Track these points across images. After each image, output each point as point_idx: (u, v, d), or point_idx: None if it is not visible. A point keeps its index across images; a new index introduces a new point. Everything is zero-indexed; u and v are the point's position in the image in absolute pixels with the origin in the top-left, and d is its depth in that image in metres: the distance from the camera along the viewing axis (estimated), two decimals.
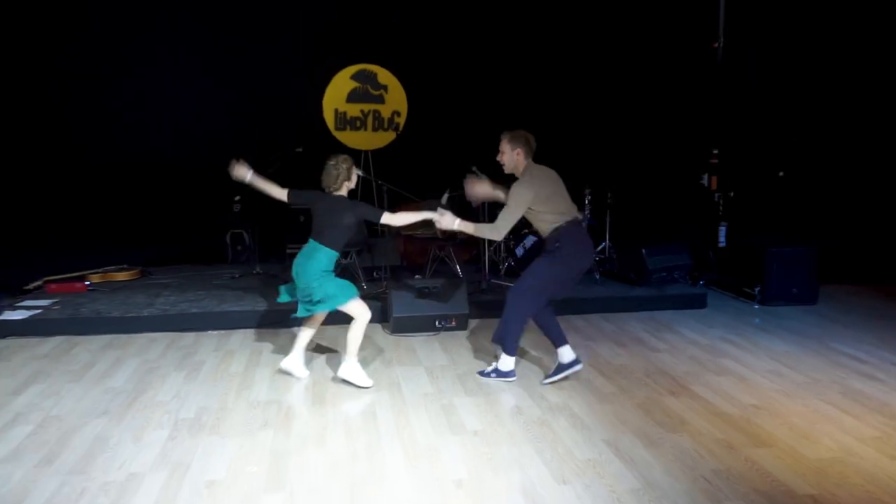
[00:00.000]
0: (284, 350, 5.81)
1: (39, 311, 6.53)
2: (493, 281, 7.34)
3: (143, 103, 8.21)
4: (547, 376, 5.09)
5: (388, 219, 4.90)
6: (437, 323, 6.26)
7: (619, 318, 6.81)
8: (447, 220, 4.91)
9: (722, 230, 8.20)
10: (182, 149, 8.46)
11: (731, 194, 8.21)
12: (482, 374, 5.20)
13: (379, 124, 8.88)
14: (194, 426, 4.35)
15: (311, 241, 4.94)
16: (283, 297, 5.17)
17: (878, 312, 7.01)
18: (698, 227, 8.33)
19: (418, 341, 6.02)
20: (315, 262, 4.84)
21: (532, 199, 4.76)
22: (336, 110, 8.79)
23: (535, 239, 7.68)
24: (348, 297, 4.88)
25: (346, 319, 4.99)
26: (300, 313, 5.02)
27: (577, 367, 5.04)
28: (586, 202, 7.92)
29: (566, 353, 5.03)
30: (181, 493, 3.55)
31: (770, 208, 8.44)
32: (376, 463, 3.87)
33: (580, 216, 4.92)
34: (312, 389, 4.97)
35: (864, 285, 8.16)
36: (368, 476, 3.73)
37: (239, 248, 8.60)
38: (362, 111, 8.85)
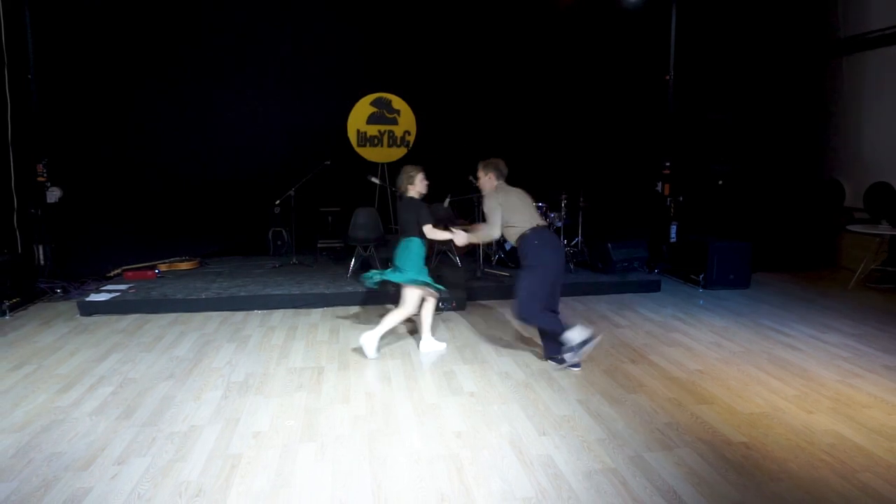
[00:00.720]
0: (316, 327, 5.82)
1: (118, 293, 6.53)
2: (486, 270, 7.32)
3: (204, 126, 8.19)
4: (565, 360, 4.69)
5: (430, 232, 4.89)
6: (440, 304, 6.24)
7: (589, 300, 6.80)
8: (461, 238, 4.94)
9: (673, 228, 8.19)
10: (233, 163, 8.43)
11: (681, 199, 8.20)
12: (561, 361, 4.69)
13: (393, 142, 8.87)
14: (243, 388, 4.36)
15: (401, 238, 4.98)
16: (373, 282, 5.12)
17: (799, 295, 7.00)
18: (654, 225, 8.31)
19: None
20: (412, 251, 4.92)
21: (498, 205, 4.75)
22: (358, 130, 8.78)
23: None
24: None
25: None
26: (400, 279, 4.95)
27: (593, 341, 4.58)
28: (563, 205, 7.89)
29: (572, 336, 4.53)
30: (232, 442, 3.55)
31: (712, 210, 8.43)
32: (391, 417, 3.88)
33: (544, 223, 4.86)
34: (338, 358, 4.97)
35: (788, 273, 8.14)
36: (384, 427, 3.73)
37: (279, 242, 8.59)
38: (379, 131, 8.83)
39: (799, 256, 8.48)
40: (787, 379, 4.49)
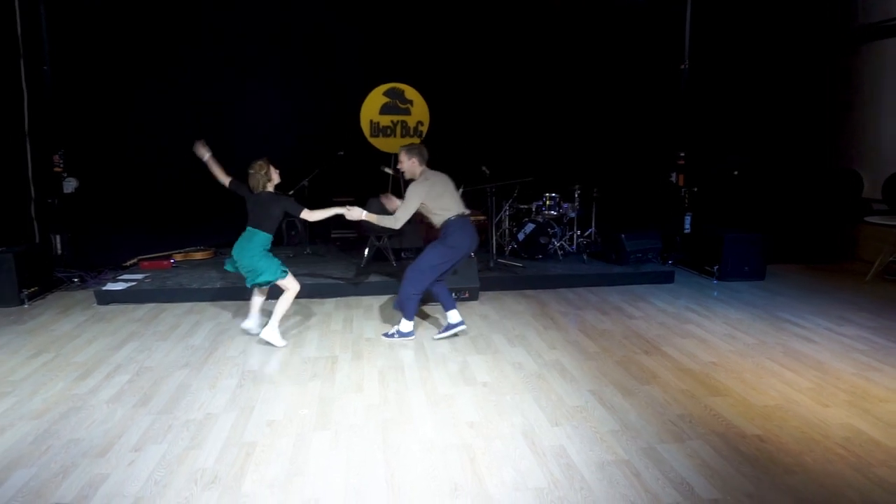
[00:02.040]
0: (329, 317, 5.85)
1: (135, 283, 6.59)
2: (499, 260, 7.31)
3: (220, 117, 8.20)
4: (439, 332, 5.17)
5: (307, 214, 4.84)
6: (453, 294, 6.24)
7: (603, 290, 6.77)
8: (356, 213, 4.87)
9: (687, 219, 8.13)
10: (248, 153, 8.41)
11: (695, 189, 8.13)
12: (386, 335, 5.17)
13: (406, 132, 8.84)
14: (257, 377, 4.39)
15: (249, 227, 4.88)
16: (228, 268, 5.11)
17: (815, 287, 6.93)
18: (668, 216, 8.25)
19: (438, 309, 6.02)
20: (255, 245, 4.83)
21: (424, 195, 4.80)
22: (371, 121, 8.76)
23: (533, 226, 7.62)
24: (279, 274, 4.90)
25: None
26: (249, 283, 4.97)
27: (463, 327, 5.16)
28: (576, 196, 7.86)
29: (454, 316, 5.13)
30: (247, 430, 3.59)
31: (727, 201, 8.35)
32: (404, 406, 3.89)
33: (467, 212, 5.04)
34: (352, 347, 4.99)
35: (804, 265, 8.06)
36: (398, 416, 3.75)
37: (293, 233, 8.61)
38: (392, 121, 8.81)
39: (815, 248, 8.38)
40: (802, 371, 4.45)
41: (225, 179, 5.09)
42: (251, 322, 5.27)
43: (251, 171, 4.85)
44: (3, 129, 7.04)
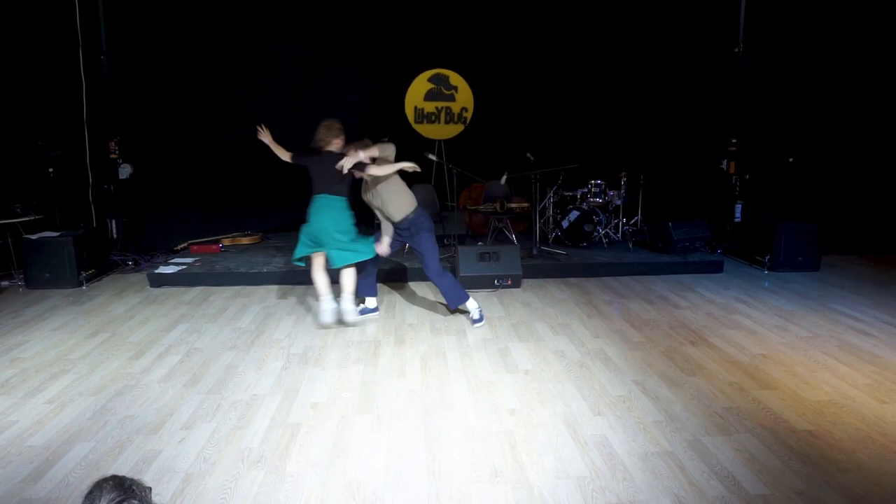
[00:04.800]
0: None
1: (185, 266, 6.77)
2: (542, 248, 7.24)
3: (268, 104, 8.32)
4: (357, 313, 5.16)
5: (374, 170, 4.77)
6: (495, 281, 6.23)
7: (648, 280, 6.64)
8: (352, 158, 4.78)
9: (738, 207, 7.88)
10: (293, 140, 8.55)
11: (747, 177, 7.87)
12: (475, 321, 5.14)
13: (450, 118, 8.81)
14: (302, 360, 4.47)
15: (324, 195, 4.79)
16: (304, 252, 4.93)
17: (872, 279, 6.65)
18: (717, 204, 8.02)
19: (480, 296, 6.01)
20: (347, 213, 4.86)
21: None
22: (415, 107, 8.76)
23: (578, 213, 7.52)
24: (372, 249, 4.96)
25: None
26: (341, 263, 4.84)
27: (376, 315, 5.40)
28: (622, 183, 7.71)
29: (373, 302, 5.41)
30: (292, 412, 3.66)
31: (780, 189, 8.06)
32: (445, 392, 3.90)
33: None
34: (394, 333, 5.03)
35: (860, 255, 7.74)
36: (439, 402, 3.77)
37: None
38: (437, 107, 8.79)
39: (873, 238, 8.04)
40: (857, 366, 4.28)
41: (286, 155, 5.07)
42: (349, 304, 5.02)
43: (322, 128, 4.84)
44: (64, 117, 7.31)
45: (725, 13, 7.86)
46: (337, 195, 4.80)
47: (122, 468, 3.06)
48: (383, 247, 5.08)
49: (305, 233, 4.89)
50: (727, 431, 3.39)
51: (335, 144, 4.89)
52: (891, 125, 8.04)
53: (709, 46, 8.16)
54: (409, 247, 5.32)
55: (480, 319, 5.14)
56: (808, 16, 7.76)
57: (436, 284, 5.19)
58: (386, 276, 6.56)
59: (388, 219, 5.06)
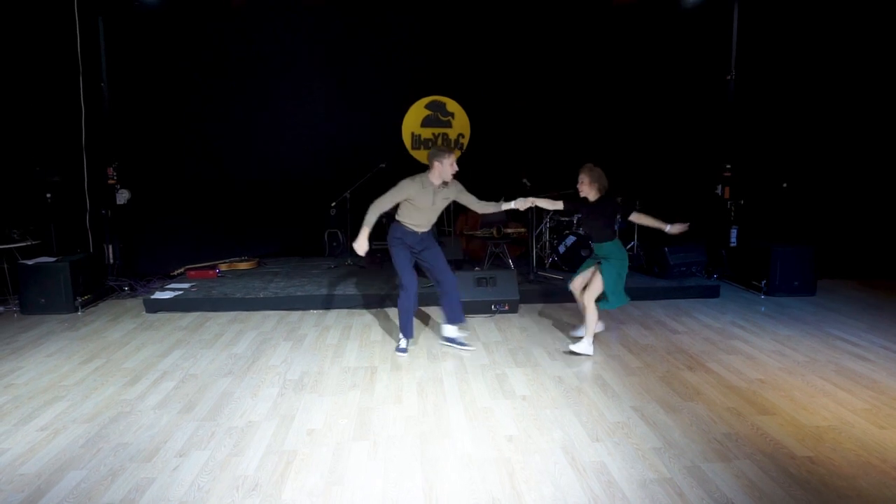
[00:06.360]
0: (370, 326, 5.88)
1: (181, 292, 6.76)
2: (539, 273, 7.25)
3: (264, 131, 8.41)
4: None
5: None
6: (492, 307, 6.23)
7: (645, 304, 6.65)
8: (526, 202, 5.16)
9: (733, 232, 7.92)
10: (290, 167, 8.62)
11: (742, 202, 7.93)
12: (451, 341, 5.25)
13: (446, 144, 8.89)
14: (298, 386, 4.44)
15: (605, 244, 5.09)
16: (618, 303, 5.11)
17: (869, 303, 6.66)
18: (713, 229, 8.06)
19: (477, 321, 6.01)
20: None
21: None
22: (412, 133, 8.84)
23: (574, 238, 7.55)
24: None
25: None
26: (616, 305, 5.09)
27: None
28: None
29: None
30: (288, 439, 3.62)
31: (774, 214, 8.12)
32: (442, 419, 3.88)
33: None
34: (391, 359, 5.01)
35: (857, 280, 7.77)
36: (436, 429, 3.74)
37: (334, 244, 8.72)
38: (433, 133, 8.87)
39: (869, 263, 8.07)
40: (856, 391, 4.27)
41: (555, 205, 5.25)
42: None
43: (593, 173, 5.08)
44: (62, 142, 7.35)
45: (717, 41, 7.98)
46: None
47: (115, 497, 3.02)
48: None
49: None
50: (726, 458, 3.36)
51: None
52: (882, 150, 8.14)
53: (702, 74, 8.28)
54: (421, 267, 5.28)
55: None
56: (798, 42, 7.89)
57: (455, 294, 5.16)
58: (380, 301, 6.55)
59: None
